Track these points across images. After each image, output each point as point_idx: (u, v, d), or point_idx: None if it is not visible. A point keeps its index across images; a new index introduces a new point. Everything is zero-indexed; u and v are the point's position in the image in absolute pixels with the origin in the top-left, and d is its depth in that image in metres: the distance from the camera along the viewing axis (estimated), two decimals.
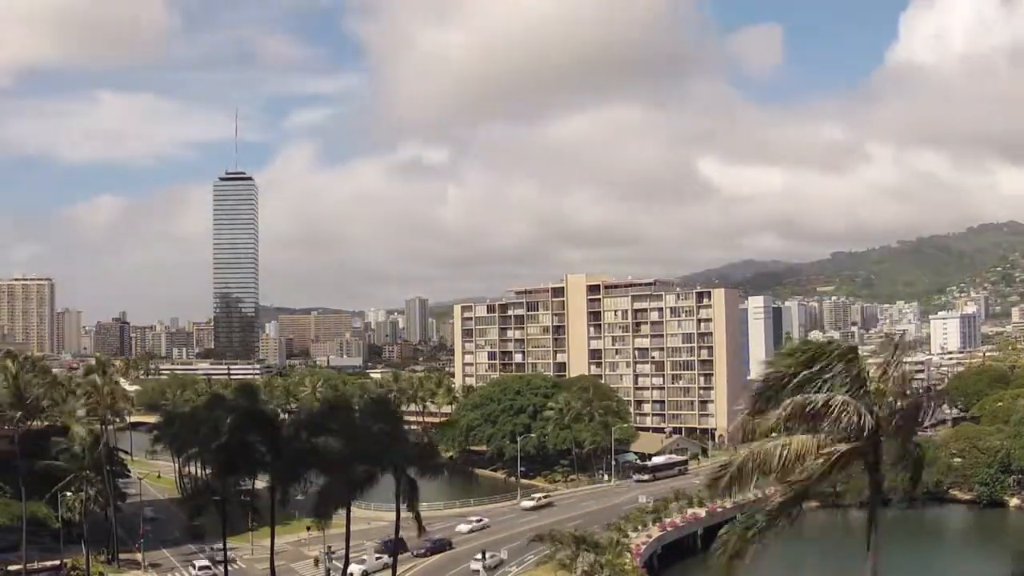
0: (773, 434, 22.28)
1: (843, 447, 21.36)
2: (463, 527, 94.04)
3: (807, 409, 21.28)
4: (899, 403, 22.37)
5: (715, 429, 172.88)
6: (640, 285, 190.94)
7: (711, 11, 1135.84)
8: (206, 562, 76.74)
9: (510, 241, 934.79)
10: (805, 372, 21.90)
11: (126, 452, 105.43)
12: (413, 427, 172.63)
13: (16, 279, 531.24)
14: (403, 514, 58.22)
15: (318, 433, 58.06)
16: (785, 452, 21.28)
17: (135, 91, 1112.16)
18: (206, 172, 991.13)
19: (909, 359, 23.32)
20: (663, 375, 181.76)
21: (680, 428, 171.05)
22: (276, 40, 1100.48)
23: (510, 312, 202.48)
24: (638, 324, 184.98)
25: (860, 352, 23.18)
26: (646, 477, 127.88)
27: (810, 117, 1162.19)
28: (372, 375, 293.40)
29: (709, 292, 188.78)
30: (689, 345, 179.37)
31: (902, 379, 22.69)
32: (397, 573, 65.28)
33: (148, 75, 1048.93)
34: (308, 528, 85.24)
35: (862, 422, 21.26)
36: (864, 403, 21.60)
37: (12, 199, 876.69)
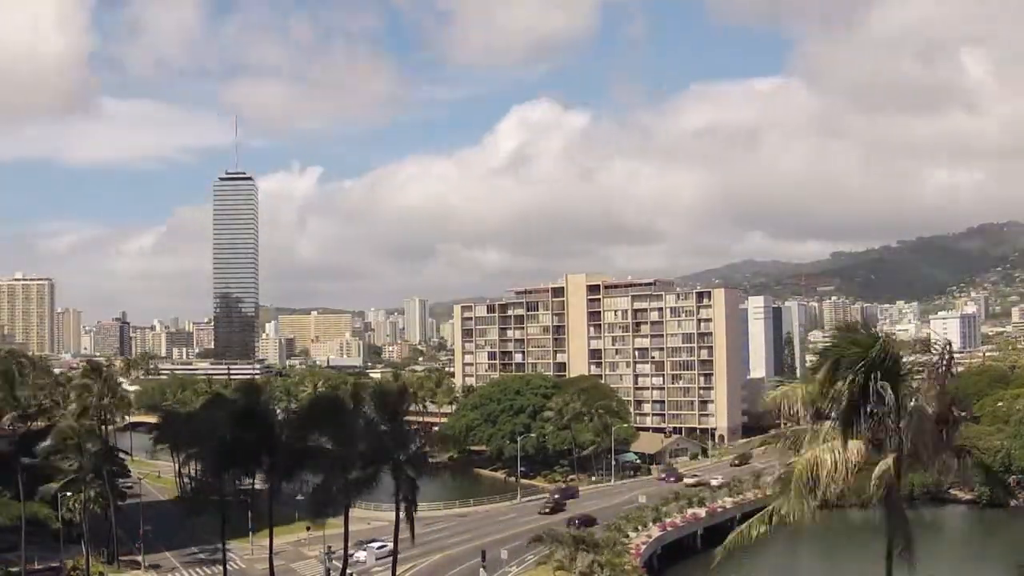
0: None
1: (890, 459, 21.44)
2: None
3: (906, 430, 21.33)
4: (939, 407, 22.39)
5: (715, 429, 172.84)
6: (640, 285, 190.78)
7: None
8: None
9: None
10: (862, 365, 21.80)
11: (126, 452, 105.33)
12: (413, 427, 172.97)
13: (16, 279, 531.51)
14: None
15: (313, 432, 57.98)
16: (834, 458, 21.53)
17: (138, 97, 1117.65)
18: (207, 174, 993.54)
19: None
20: (663, 375, 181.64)
21: (680, 428, 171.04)
22: None
23: (510, 312, 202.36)
24: (638, 324, 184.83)
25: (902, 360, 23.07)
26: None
27: None
28: (372, 375, 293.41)
29: (709, 292, 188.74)
30: (689, 345, 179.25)
31: (944, 386, 22.75)
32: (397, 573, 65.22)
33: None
34: (307, 528, 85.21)
35: (911, 424, 21.39)
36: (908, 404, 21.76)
37: (14, 200, 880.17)
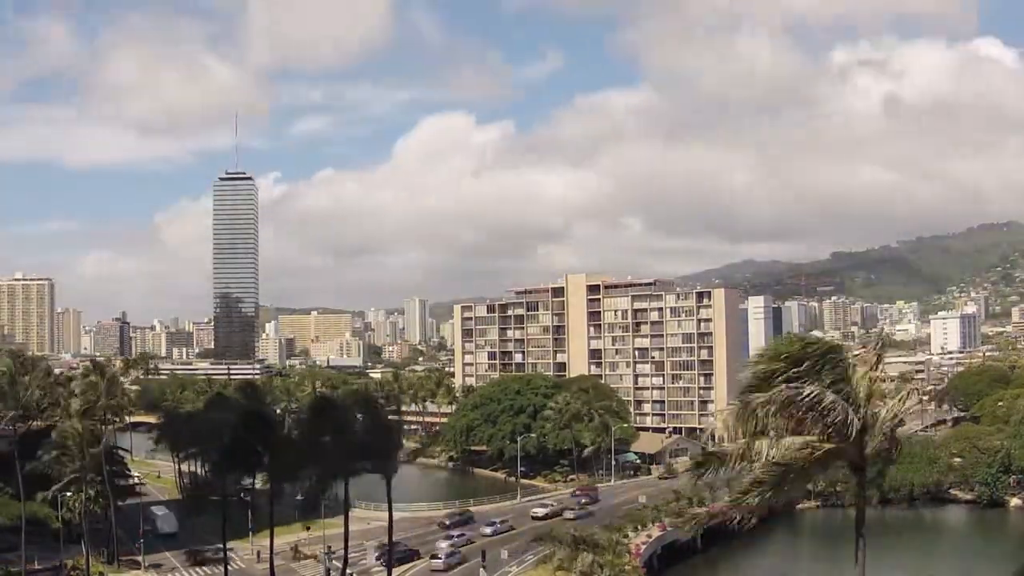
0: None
1: (829, 445, 21.46)
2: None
3: (798, 399, 21.30)
4: (883, 403, 22.47)
5: (715, 429, 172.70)
6: (640, 285, 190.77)
7: None
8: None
9: None
10: (794, 370, 21.96)
11: (125, 450, 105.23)
12: (413, 427, 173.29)
13: (16, 279, 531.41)
14: (400, 515, 58.25)
15: (312, 432, 58.06)
16: (772, 450, 21.43)
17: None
18: (208, 175, 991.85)
19: (898, 359, 23.59)
20: (663, 375, 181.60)
21: (680, 428, 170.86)
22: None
23: (510, 312, 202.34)
24: (638, 324, 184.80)
25: (845, 351, 23.25)
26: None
27: None
28: (372, 375, 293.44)
29: (709, 292, 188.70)
30: (689, 345, 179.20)
31: (885, 379, 22.81)
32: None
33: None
34: (307, 528, 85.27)
35: (848, 421, 21.35)
36: (851, 403, 21.71)
37: (14, 200, 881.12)
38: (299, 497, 68.48)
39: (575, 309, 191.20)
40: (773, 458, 21.32)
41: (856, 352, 23.63)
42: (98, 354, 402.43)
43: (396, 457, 61.41)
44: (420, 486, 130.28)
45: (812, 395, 21.25)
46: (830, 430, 21.43)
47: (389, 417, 67.80)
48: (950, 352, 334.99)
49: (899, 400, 22.54)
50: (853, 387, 22.21)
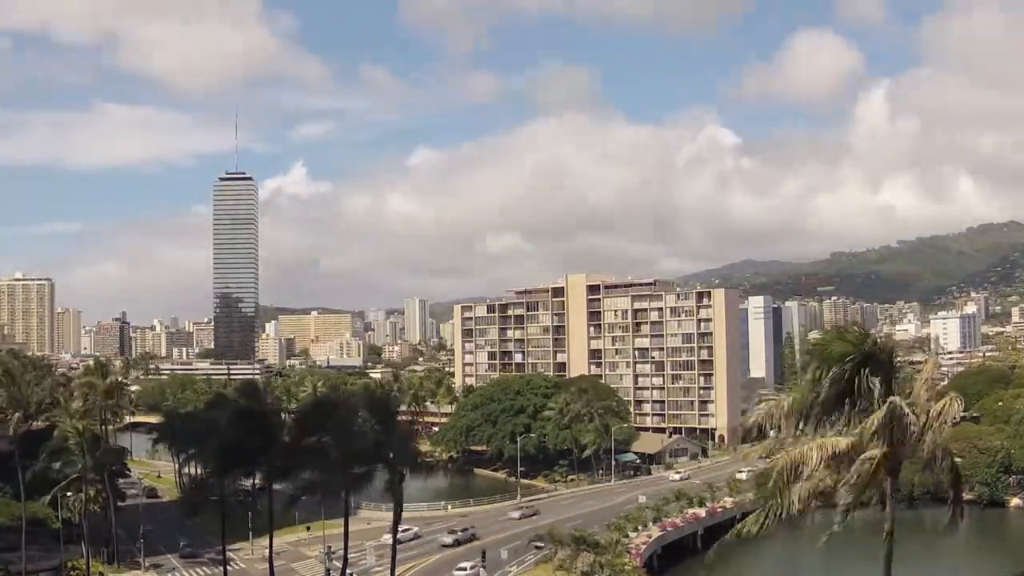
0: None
1: (877, 451, 21.41)
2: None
3: (885, 421, 21.30)
4: (929, 406, 22.43)
5: (715, 429, 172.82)
6: (640, 285, 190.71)
7: None
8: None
9: None
10: (843, 366, 21.86)
11: (126, 450, 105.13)
12: (414, 427, 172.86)
13: (16, 279, 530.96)
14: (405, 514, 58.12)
15: (313, 432, 57.91)
16: (821, 454, 21.47)
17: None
18: (209, 177, 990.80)
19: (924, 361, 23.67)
20: (663, 375, 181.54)
21: (680, 428, 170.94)
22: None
23: (510, 312, 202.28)
24: (638, 324, 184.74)
25: (895, 357, 23.16)
26: None
27: None
28: (372, 375, 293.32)
29: (709, 292, 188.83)
30: (689, 345, 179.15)
31: (933, 384, 22.80)
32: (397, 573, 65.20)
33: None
34: (307, 528, 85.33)
35: (905, 422, 21.36)
36: (902, 401, 21.75)
37: (16, 202, 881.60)
38: (303, 497, 68.54)
39: (575, 309, 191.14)
40: (822, 462, 21.43)
41: (911, 352, 23.60)
42: (98, 354, 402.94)
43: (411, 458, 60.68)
44: (420, 486, 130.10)
45: (862, 389, 21.31)
46: (875, 430, 21.40)
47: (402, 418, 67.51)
48: (950, 352, 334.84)
49: (945, 404, 22.43)
50: (908, 389, 22.26)
